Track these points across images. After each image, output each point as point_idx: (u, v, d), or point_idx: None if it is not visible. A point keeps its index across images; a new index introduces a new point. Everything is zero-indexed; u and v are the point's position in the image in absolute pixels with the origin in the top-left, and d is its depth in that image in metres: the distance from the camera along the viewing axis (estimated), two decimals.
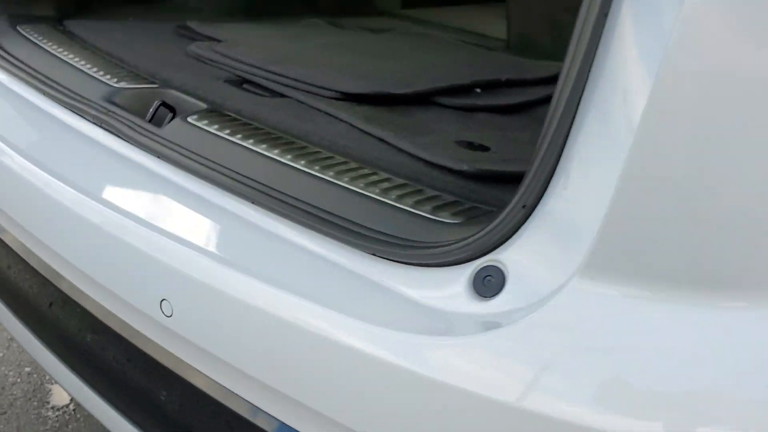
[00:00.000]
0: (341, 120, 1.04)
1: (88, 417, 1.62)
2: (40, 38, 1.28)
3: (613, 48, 0.59)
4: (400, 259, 0.72)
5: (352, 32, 1.62)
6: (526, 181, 0.65)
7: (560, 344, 0.60)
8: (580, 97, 0.61)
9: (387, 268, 0.73)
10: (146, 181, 0.92)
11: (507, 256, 0.66)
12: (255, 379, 0.78)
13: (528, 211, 0.65)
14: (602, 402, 0.58)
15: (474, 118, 1.13)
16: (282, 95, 1.13)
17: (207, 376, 0.84)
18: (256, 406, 0.80)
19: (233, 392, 0.81)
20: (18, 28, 1.32)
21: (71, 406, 1.64)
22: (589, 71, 0.60)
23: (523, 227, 0.66)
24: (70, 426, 1.60)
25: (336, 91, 1.12)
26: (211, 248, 0.83)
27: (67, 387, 1.06)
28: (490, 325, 0.65)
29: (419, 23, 1.95)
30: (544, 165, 0.64)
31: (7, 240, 1.18)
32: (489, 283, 0.67)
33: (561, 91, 0.62)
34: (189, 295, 0.81)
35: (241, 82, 1.18)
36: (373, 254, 0.74)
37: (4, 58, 1.19)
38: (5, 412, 1.61)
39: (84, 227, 0.93)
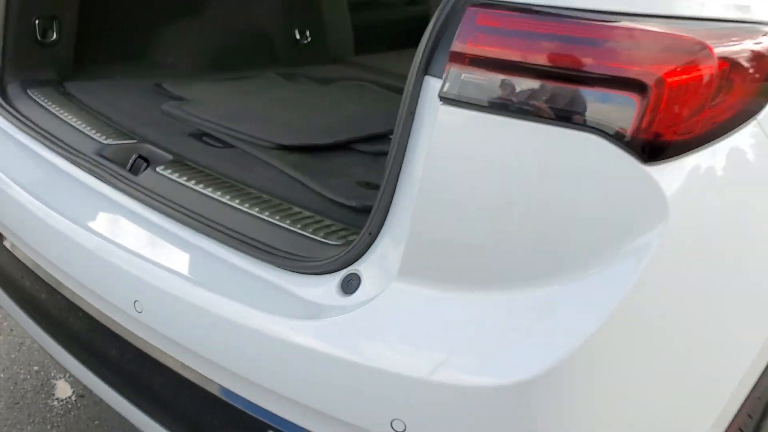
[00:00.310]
0: (274, 166, 1.38)
1: (87, 406, 1.95)
2: (46, 101, 1.62)
3: (413, 136, 0.93)
4: (296, 270, 1.07)
5: (300, 85, 1.97)
6: (371, 215, 0.99)
7: (381, 321, 0.95)
8: (402, 161, 0.95)
9: (287, 276, 1.07)
10: (125, 216, 1.26)
11: (361, 267, 1.00)
12: (202, 355, 1.11)
13: (373, 236, 0.99)
14: (402, 354, 0.92)
15: (379, 161, 1.47)
16: (232, 146, 1.48)
17: (170, 356, 1.18)
18: (203, 375, 1.14)
19: (186, 365, 1.15)
20: (28, 91, 1.66)
21: (73, 397, 1.97)
22: (406, 147, 0.95)
23: (371, 247, 1.00)
24: (72, 413, 1.93)
25: (273, 143, 1.46)
26: (170, 265, 1.16)
27: (72, 371, 1.40)
28: (347, 310, 0.99)
29: (366, 70, 2.28)
30: (382, 204, 0.98)
31: (19, 256, 1.52)
32: (350, 285, 1.01)
33: (392, 159, 0.96)
34: (154, 298, 1.15)
35: (201, 136, 1.52)
36: (279, 267, 1.08)
37: (18, 119, 1.54)
38: (18, 403, 1.94)
39: (75, 248, 1.27)
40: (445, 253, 0.92)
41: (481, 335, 0.89)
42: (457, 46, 0.89)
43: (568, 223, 0.87)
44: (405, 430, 0.92)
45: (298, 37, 2.29)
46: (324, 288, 1.02)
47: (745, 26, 0.91)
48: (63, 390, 2.00)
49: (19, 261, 1.53)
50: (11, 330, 2.21)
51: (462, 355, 0.90)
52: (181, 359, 1.14)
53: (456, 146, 0.91)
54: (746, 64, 0.90)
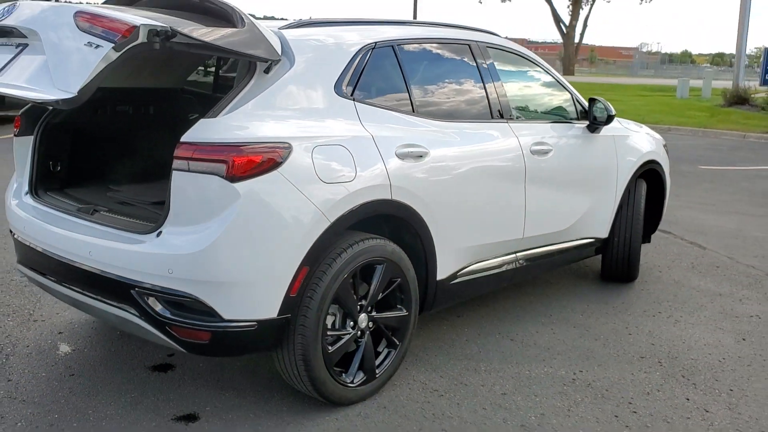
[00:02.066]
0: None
1: (77, 352, 3.81)
2: (55, 195, 3.68)
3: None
4: (139, 231, 3.07)
5: None
6: (163, 216, 3.00)
7: (163, 243, 2.95)
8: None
9: (135, 233, 3.08)
10: (65, 225, 3.28)
11: (162, 229, 3.00)
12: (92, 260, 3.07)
13: (159, 224, 3.00)
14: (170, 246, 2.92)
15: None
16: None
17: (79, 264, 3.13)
18: (92, 268, 3.10)
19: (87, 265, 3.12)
20: (47, 192, 3.71)
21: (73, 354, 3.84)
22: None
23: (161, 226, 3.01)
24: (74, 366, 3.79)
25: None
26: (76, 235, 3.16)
27: (48, 286, 3.36)
28: (153, 239, 2.98)
29: None
30: (163, 213, 2.98)
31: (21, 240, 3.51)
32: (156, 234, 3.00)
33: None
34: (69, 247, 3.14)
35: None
36: (133, 230, 3.07)
37: (42, 202, 3.57)
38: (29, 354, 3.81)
39: (47, 234, 3.27)
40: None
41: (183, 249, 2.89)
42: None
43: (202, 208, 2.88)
44: (172, 272, 2.88)
45: None
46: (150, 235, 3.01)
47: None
48: (65, 348, 3.89)
49: (21, 243, 3.51)
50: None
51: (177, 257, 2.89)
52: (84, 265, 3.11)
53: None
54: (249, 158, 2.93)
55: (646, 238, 5.89)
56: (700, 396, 3.63)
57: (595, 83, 36.01)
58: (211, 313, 2.91)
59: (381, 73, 3.58)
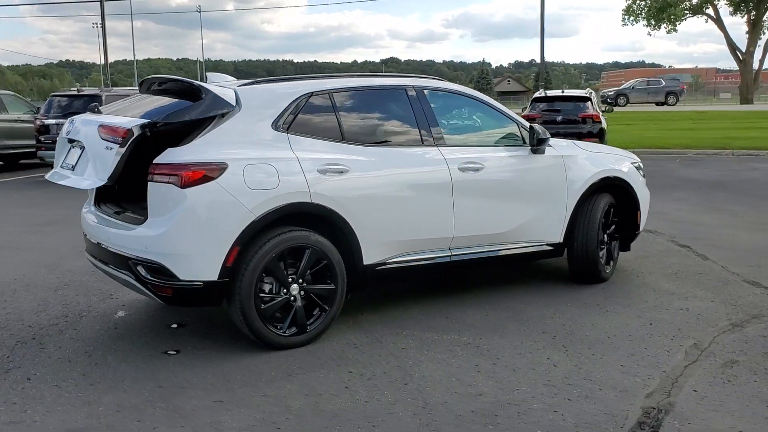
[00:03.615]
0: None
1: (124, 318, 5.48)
2: (109, 205, 5.40)
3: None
4: (135, 223, 4.66)
5: None
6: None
7: (146, 230, 4.53)
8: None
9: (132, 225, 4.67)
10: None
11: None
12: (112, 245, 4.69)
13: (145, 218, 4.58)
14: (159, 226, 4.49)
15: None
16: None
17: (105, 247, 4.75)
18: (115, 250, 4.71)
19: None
20: (103, 203, 5.44)
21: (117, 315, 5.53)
22: None
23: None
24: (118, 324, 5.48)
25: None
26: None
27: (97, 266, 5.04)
28: (142, 224, 4.56)
29: None
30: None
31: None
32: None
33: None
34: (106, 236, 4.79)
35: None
36: (129, 222, 4.68)
37: (99, 207, 5.30)
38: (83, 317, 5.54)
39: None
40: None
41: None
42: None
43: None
44: (147, 248, 4.43)
45: None
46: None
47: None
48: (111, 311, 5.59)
49: (85, 238, 5.22)
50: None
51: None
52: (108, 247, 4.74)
53: None
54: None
55: (626, 247, 6.71)
56: (561, 356, 4.57)
57: None
58: (172, 275, 4.41)
59: (315, 112, 4.97)
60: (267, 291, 4.64)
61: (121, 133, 4.43)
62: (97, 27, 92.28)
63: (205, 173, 4.40)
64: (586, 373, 4.30)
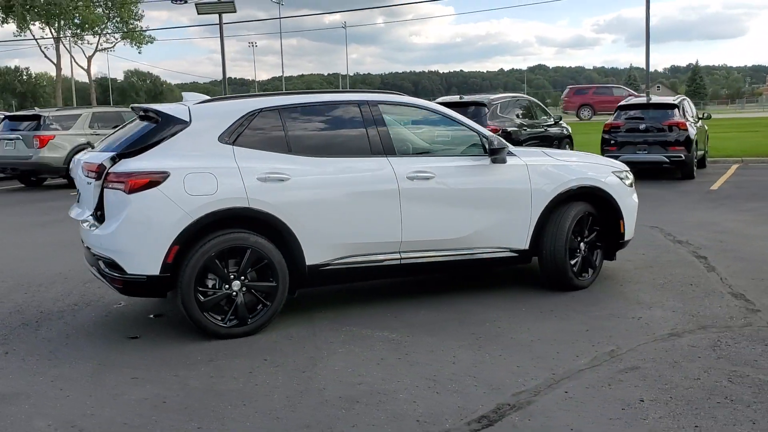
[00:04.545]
0: None
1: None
2: None
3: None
4: None
5: None
6: None
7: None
8: None
9: None
10: None
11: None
12: None
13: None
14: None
15: None
16: None
17: None
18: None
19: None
20: None
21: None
22: None
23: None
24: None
25: None
26: None
27: None
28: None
29: None
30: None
31: None
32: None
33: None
34: None
35: None
36: None
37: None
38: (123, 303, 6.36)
39: None
40: None
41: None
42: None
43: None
44: (101, 245, 5.15)
45: None
46: None
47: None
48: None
49: (82, 243, 6.04)
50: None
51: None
52: (88, 246, 5.51)
53: None
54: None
55: (611, 256, 6.73)
56: (467, 355, 4.81)
57: None
58: (121, 269, 5.10)
59: (263, 127, 5.50)
60: (210, 286, 5.22)
61: (95, 168, 5.21)
62: (253, 46, 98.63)
63: (149, 180, 5.05)
64: (476, 371, 4.53)
